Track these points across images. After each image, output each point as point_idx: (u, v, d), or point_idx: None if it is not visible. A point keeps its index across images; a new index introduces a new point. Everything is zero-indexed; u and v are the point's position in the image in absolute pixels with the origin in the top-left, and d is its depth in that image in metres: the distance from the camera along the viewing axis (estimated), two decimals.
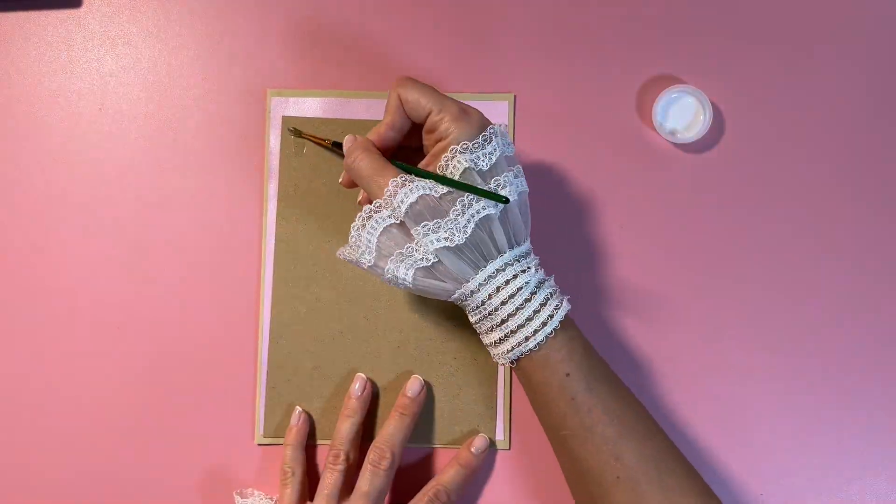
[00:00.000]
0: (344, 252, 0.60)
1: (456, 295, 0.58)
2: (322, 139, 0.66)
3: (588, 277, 0.68)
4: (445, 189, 0.56)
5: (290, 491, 0.63)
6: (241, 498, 0.64)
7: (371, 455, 0.62)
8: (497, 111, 0.68)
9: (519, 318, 0.57)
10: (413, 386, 0.65)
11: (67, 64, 0.68)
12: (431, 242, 0.56)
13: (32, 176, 0.67)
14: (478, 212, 0.56)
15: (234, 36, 0.68)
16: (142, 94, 0.68)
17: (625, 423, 0.57)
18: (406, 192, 0.56)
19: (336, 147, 0.65)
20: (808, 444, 0.67)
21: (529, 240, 0.59)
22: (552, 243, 0.68)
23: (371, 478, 0.62)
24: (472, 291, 0.57)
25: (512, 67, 0.68)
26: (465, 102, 0.59)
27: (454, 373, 0.67)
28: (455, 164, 0.56)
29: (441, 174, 0.57)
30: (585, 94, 0.68)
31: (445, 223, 0.56)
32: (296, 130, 0.67)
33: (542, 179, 0.68)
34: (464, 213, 0.56)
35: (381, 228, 0.58)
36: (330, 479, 0.62)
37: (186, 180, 0.67)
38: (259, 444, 0.66)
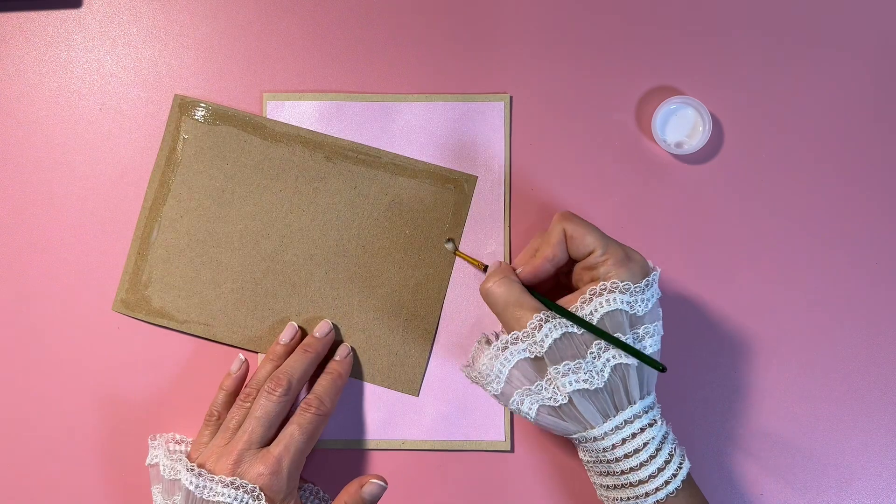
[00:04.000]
0: (469, 373, 0.61)
1: (577, 436, 0.58)
2: (475, 260, 0.65)
3: None
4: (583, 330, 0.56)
5: (209, 431, 0.63)
6: (153, 440, 0.64)
7: (267, 384, 0.62)
8: (493, 112, 0.68)
9: (641, 474, 0.56)
10: (321, 327, 0.66)
11: (67, 64, 0.68)
12: (569, 384, 0.56)
13: (32, 176, 0.67)
14: (615, 357, 0.56)
15: (234, 37, 0.68)
16: (142, 94, 0.68)
17: None
18: (550, 328, 0.56)
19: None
20: (808, 444, 0.67)
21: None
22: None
23: (264, 402, 0.61)
24: (595, 437, 0.57)
25: (509, 69, 0.68)
26: (628, 247, 0.58)
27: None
28: (605, 300, 0.56)
29: (588, 321, 0.56)
30: (583, 102, 0.68)
31: (585, 364, 0.56)
32: (452, 242, 0.66)
33: (539, 184, 0.68)
34: (600, 356, 0.56)
35: (515, 361, 0.58)
36: (234, 414, 0.62)
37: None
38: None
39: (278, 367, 0.64)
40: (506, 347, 0.58)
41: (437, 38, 0.68)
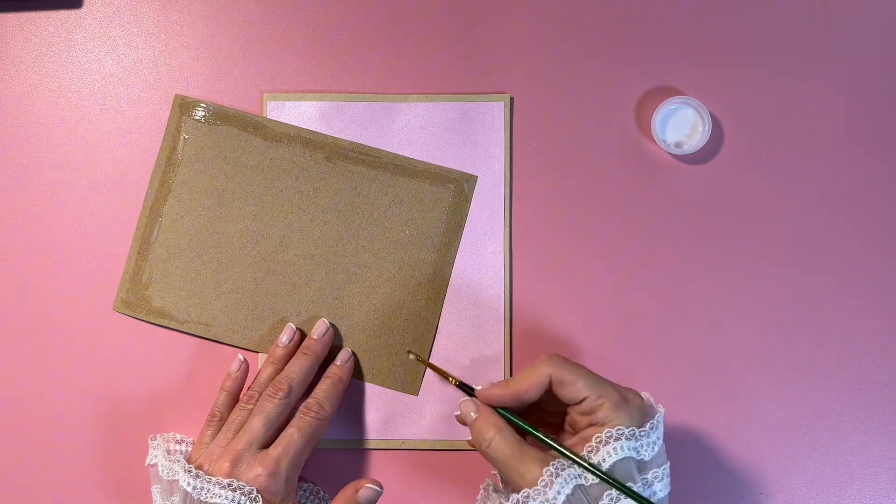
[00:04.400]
0: None
1: None
2: (447, 374, 0.63)
3: (584, 288, 0.68)
4: (596, 480, 0.53)
5: (211, 432, 0.63)
6: (153, 441, 0.64)
7: (269, 388, 0.62)
8: (493, 112, 0.68)
9: None
10: (318, 328, 0.66)
11: (67, 64, 0.68)
12: None
13: (32, 176, 0.67)
14: None
15: (234, 37, 0.68)
16: (142, 94, 0.68)
17: None
18: (561, 483, 0.53)
19: (462, 388, 0.61)
20: (807, 444, 0.67)
21: None
22: (547, 252, 0.68)
23: (265, 404, 0.61)
24: None
25: (509, 69, 0.68)
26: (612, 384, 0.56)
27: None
28: (612, 449, 0.53)
29: (591, 463, 0.54)
30: (583, 102, 0.68)
31: None
32: (416, 356, 0.66)
33: (539, 184, 0.68)
34: None
35: None
36: (236, 415, 0.62)
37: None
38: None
39: (279, 369, 0.64)
40: None
41: (437, 38, 0.68)
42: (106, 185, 0.67)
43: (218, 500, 0.57)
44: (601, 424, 0.55)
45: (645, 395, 0.58)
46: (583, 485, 0.54)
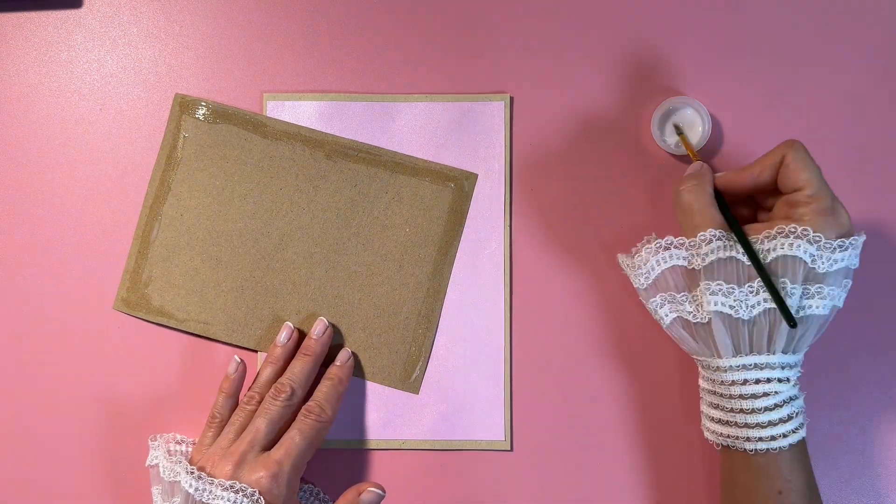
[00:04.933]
0: (623, 260, 0.61)
1: (702, 359, 0.57)
2: (692, 151, 0.64)
3: (584, 287, 0.68)
4: (766, 260, 0.55)
5: (212, 434, 0.63)
6: (153, 441, 0.64)
7: (271, 391, 0.62)
8: (493, 112, 0.68)
9: (753, 419, 0.55)
10: (317, 327, 0.65)
11: (67, 64, 0.68)
12: (714, 303, 0.55)
13: (32, 176, 0.67)
14: (767, 300, 0.55)
15: (234, 37, 0.68)
16: (142, 94, 0.68)
17: None
18: (718, 246, 0.55)
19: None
20: (808, 444, 0.67)
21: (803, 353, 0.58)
22: (547, 251, 0.68)
23: (268, 407, 0.61)
24: (720, 367, 0.56)
25: (509, 69, 0.68)
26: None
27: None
28: (791, 243, 0.54)
29: (760, 258, 0.55)
30: (583, 102, 0.68)
31: (737, 292, 0.55)
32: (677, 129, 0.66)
33: (539, 184, 0.68)
34: (758, 293, 0.55)
35: (672, 264, 0.58)
36: (237, 417, 0.62)
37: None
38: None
39: (278, 369, 0.64)
40: (668, 248, 0.58)
41: (437, 38, 0.68)
42: (106, 185, 0.67)
43: (220, 503, 0.57)
44: (797, 221, 0.55)
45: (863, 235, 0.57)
46: (740, 259, 0.55)
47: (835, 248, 0.55)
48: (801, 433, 0.56)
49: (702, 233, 0.56)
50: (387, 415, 0.67)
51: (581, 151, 0.68)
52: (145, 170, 0.67)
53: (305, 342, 0.65)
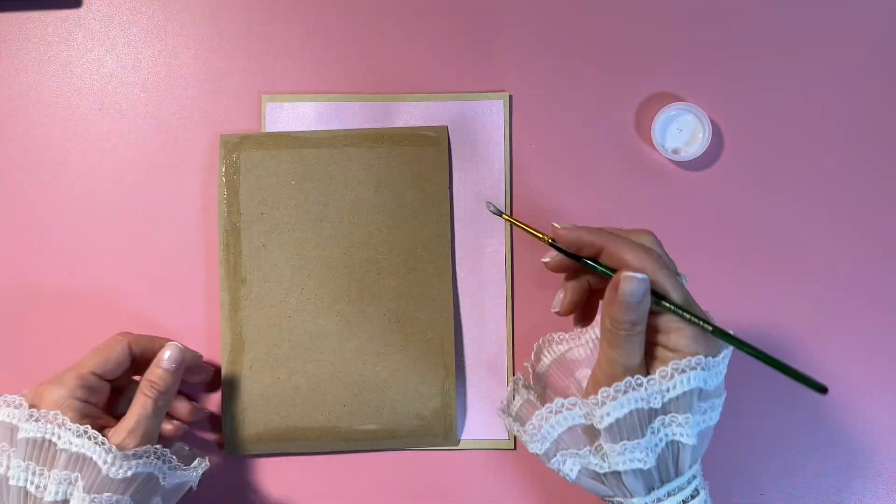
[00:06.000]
0: (507, 421, 0.58)
1: (614, 500, 0.54)
2: (535, 230, 0.56)
3: None
4: (658, 405, 0.51)
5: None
6: None
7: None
8: (492, 111, 0.68)
9: None
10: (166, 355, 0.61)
11: (67, 64, 0.68)
12: (622, 463, 0.52)
13: (32, 176, 0.67)
14: (671, 434, 0.51)
15: (234, 38, 0.68)
16: (142, 94, 0.68)
17: None
18: (617, 406, 0.51)
19: (553, 246, 0.55)
20: (808, 444, 0.67)
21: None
22: (547, 250, 0.67)
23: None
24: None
25: (508, 68, 0.68)
26: None
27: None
28: (689, 378, 0.50)
29: (664, 388, 0.51)
30: (583, 105, 0.68)
31: (643, 443, 0.51)
32: (497, 210, 0.60)
33: (539, 184, 0.68)
34: (657, 433, 0.51)
35: (567, 427, 0.54)
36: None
37: (186, 181, 0.67)
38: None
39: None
40: (560, 412, 0.54)
41: (436, 38, 0.68)
42: (105, 185, 0.67)
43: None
44: (673, 350, 0.51)
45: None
46: (641, 409, 0.51)
47: (720, 363, 0.52)
48: None
49: (601, 390, 0.52)
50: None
51: (581, 154, 0.68)
52: (145, 170, 0.68)
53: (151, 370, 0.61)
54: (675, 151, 0.67)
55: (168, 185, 0.68)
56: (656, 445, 0.51)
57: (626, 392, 0.51)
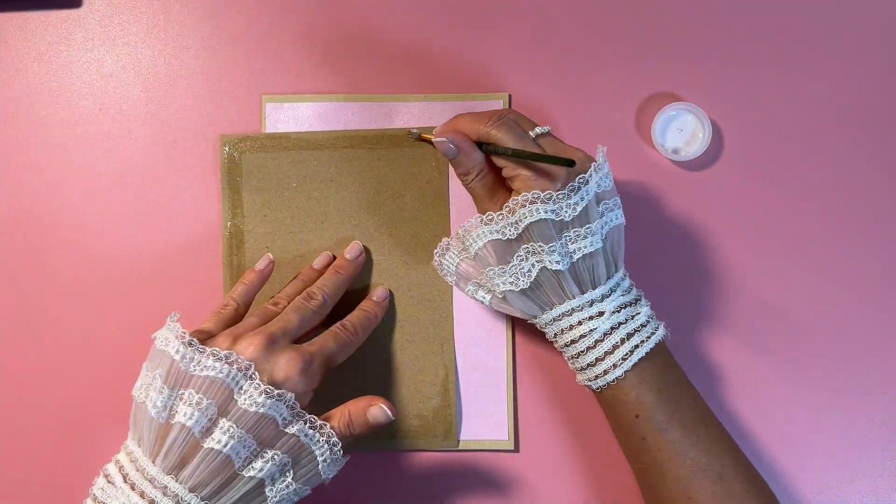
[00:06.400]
0: (435, 266, 0.65)
1: (533, 322, 0.60)
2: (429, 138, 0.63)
3: None
4: (513, 236, 0.57)
5: (218, 321, 0.60)
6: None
7: (302, 295, 0.62)
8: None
9: (581, 362, 0.59)
10: (352, 249, 0.66)
11: (67, 64, 0.68)
12: (499, 285, 0.59)
13: (32, 176, 0.67)
14: (540, 262, 0.57)
15: (234, 38, 0.68)
16: (142, 94, 0.68)
17: (698, 464, 0.57)
18: (477, 237, 0.58)
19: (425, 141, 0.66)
20: (808, 444, 0.67)
21: (619, 274, 0.59)
22: None
23: (300, 305, 0.61)
24: (540, 326, 0.60)
25: (508, 67, 0.68)
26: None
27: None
28: (529, 211, 0.56)
29: (511, 221, 0.57)
30: (583, 104, 0.68)
31: (510, 269, 0.58)
32: (417, 135, 0.66)
33: None
34: (527, 259, 0.57)
35: (457, 262, 0.62)
36: (262, 311, 0.60)
37: (186, 181, 0.67)
38: None
39: (306, 286, 0.63)
40: (446, 250, 0.63)
41: (436, 38, 0.68)
42: (105, 185, 0.67)
43: (208, 373, 0.54)
44: (517, 192, 0.57)
45: (600, 149, 0.59)
46: (499, 239, 0.58)
47: (569, 194, 0.57)
48: (640, 352, 0.58)
49: (461, 227, 0.60)
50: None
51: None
52: (145, 170, 0.68)
53: (338, 261, 0.66)
54: (675, 151, 0.67)
55: (168, 185, 0.68)
56: (528, 271, 0.57)
57: (478, 226, 0.58)
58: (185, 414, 0.53)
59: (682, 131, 0.67)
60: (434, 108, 0.68)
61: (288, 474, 0.55)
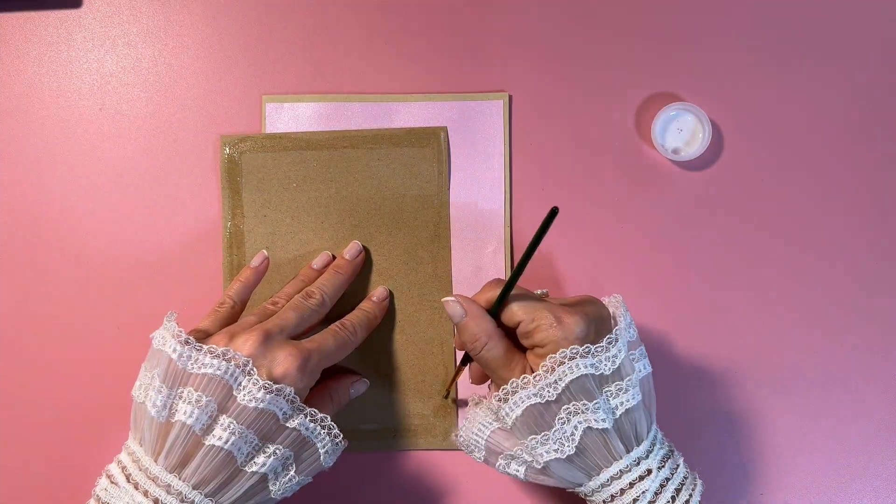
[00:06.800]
0: (457, 441, 0.60)
1: (573, 490, 0.56)
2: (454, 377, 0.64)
3: (582, 290, 0.68)
4: (553, 397, 0.53)
5: (214, 318, 0.59)
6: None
7: (301, 294, 0.61)
8: (492, 111, 0.68)
9: None
10: (351, 249, 0.66)
11: (67, 64, 0.68)
12: (542, 455, 0.54)
13: (33, 176, 0.67)
14: (585, 420, 0.53)
15: (233, 38, 0.68)
16: (142, 94, 0.68)
17: None
18: (513, 403, 0.54)
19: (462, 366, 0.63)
20: (808, 444, 0.67)
21: (655, 426, 0.57)
22: (545, 256, 0.68)
23: (299, 303, 0.60)
24: (586, 494, 0.56)
25: (507, 68, 0.68)
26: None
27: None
28: (567, 369, 0.53)
29: (549, 382, 0.53)
30: (583, 104, 0.68)
31: (553, 434, 0.54)
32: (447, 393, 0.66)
33: (539, 184, 0.68)
34: (569, 421, 0.54)
35: (487, 434, 0.57)
36: (260, 310, 0.60)
37: (186, 181, 0.67)
38: None
39: (305, 286, 0.63)
40: (474, 420, 0.58)
41: (435, 38, 0.68)
42: (105, 185, 0.67)
43: (206, 371, 0.53)
44: (542, 346, 0.54)
45: (615, 299, 0.57)
46: (538, 403, 0.53)
47: (607, 347, 0.54)
48: (682, 498, 0.55)
49: (494, 394, 0.55)
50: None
51: (581, 154, 0.68)
52: (145, 170, 0.68)
53: (338, 261, 0.66)
54: (675, 151, 0.67)
55: (168, 185, 0.68)
56: (571, 434, 0.53)
57: (514, 392, 0.54)
58: (185, 412, 0.53)
59: (682, 131, 0.67)
60: (434, 108, 0.68)
61: (291, 468, 0.55)
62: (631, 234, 0.67)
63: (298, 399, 0.55)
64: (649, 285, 0.67)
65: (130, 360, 0.67)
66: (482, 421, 0.57)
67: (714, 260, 0.68)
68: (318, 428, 0.56)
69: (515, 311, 0.55)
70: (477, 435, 0.57)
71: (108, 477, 0.55)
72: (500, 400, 0.55)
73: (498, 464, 0.57)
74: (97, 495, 0.54)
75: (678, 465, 0.56)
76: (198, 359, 0.54)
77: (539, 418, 0.54)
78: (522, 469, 0.56)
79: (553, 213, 0.52)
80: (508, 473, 0.57)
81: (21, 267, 0.67)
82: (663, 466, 0.55)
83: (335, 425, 0.56)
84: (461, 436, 0.58)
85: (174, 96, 0.68)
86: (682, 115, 0.67)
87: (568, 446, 0.54)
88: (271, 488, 0.55)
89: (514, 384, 0.54)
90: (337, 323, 0.62)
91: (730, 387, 0.67)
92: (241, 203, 0.67)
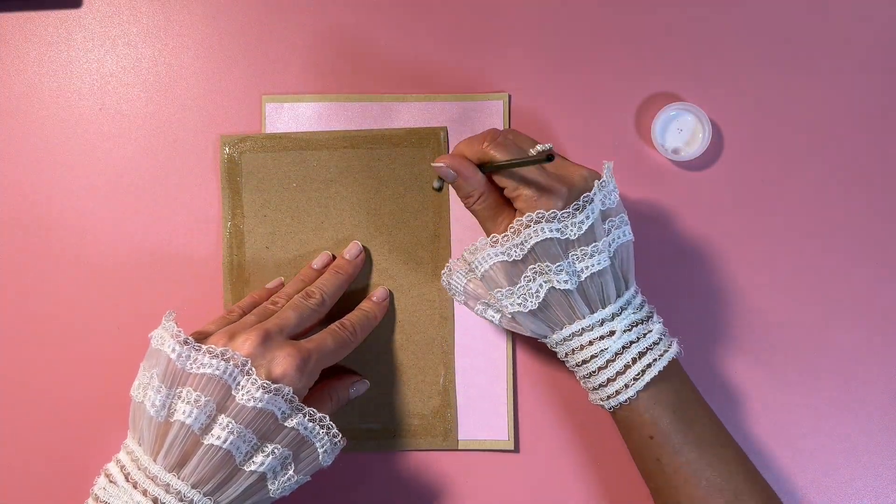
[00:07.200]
0: (442, 281, 0.63)
1: (543, 341, 0.60)
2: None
3: None
4: (519, 257, 0.56)
5: (228, 321, 0.59)
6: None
7: (301, 294, 0.62)
8: (492, 111, 0.68)
9: (593, 381, 0.59)
10: (351, 249, 0.66)
11: (67, 64, 0.68)
12: (507, 307, 0.58)
13: (32, 176, 0.67)
14: (548, 281, 0.57)
15: (233, 38, 0.68)
16: (142, 94, 0.68)
17: (713, 484, 0.57)
18: (483, 258, 0.57)
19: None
20: (808, 445, 0.67)
21: (630, 291, 0.59)
22: None
23: (299, 303, 0.61)
24: (551, 345, 0.60)
25: (508, 67, 0.68)
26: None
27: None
28: (535, 231, 0.56)
29: (516, 242, 0.56)
30: (583, 105, 0.68)
31: (517, 290, 0.57)
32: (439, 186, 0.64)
33: None
34: (534, 280, 0.57)
35: (464, 283, 0.61)
36: (260, 310, 0.60)
37: (186, 181, 0.67)
38: None
39: (306, 286, 0.64)
40: (453, 271, 0.62)
41: (435, 38, 0.68)
42: (105, 185, 0.67)
43: (204, 371, 0.54)
44: (521, 212, 0.57)
45: (606, 165, 0.59)
46: (506, 261, 0.57)
47: (573, 213, 0.56)
48: (652, 371, 0.57)
49: (466, 250, 0.59)
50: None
51: (580, 154, 0.68)
52: (144, 170, 0.68)
53: (338, 261, 0.66)
54: (675, 151, 0.67)
55: (168, 185, 0.68)
56: (536, 292, 0.57)
57: (484, 248, 0.58)
58: (184, 412, 0.53)
59: (682, 131, 0.67)
60: (434, 108, 0.68)
61: (290, 467, 0.56)
62: (631, 227, 0.67)
63: (297, 399, 0.55)
64: (649, 285, 0.67)
65: (130, 360, 0.67)
66: (461, 270, 0.61)
67: (714, 260, 0.68)
68: (317, 427, 0.56)
69: (501, 177, 0.57)
70: (457, 282, 0.61)
71: (107, 476, 0.55)
72: (470, 253, 0.58)
73: (476, 308, 0.61)
74: (96, 494, 0.55)
75: (650, 331, 0.58)
76: (196, 359, 0.54)
77: (508, 274, 0.57)
78: (497, 316, 0.60)
79: (549, 158, 0.54)
80: (486, 318, 0.61)
81: (21, 267, 0.67)
82: (630, 330, 0.58)
83: (334, 425, 0.57)
84: (444, 278, 0.62)
85: (174, 96, 0.68)
86: (682, 115, 0.67)
87: (531, 302, 0.57)
88: (270, 487, 0.55)
89: (483, 242, 0.58)
90: (336, 323, 0.62)
91: (727, 387, 0.67)
92: (241, 203, 0.67)
